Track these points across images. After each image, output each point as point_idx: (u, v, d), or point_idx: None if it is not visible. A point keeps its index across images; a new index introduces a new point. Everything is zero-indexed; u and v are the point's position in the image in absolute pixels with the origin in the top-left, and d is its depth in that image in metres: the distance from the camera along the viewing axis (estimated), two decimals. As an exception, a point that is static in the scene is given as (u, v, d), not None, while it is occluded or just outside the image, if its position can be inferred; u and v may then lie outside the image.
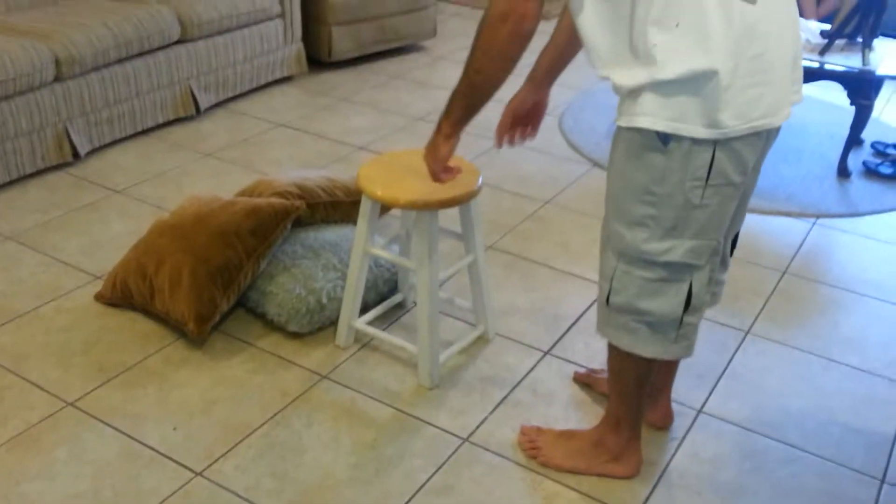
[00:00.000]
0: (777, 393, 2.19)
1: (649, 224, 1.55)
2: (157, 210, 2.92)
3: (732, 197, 1.55)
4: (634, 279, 1.60)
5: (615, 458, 1.88)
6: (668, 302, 1.61)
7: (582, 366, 2.23)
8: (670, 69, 1.40)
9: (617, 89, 1.51)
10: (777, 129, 1.57)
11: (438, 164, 1.78)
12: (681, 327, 1.64)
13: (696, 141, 1.45)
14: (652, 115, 1.45)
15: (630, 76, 1.45)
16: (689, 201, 1.51)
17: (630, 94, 1.47)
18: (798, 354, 2.33)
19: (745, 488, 1.89)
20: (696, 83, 1.40)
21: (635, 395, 1.81)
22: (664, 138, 1.46)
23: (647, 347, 1.67)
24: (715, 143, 1.46)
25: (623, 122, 1.50)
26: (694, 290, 1.60)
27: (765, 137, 1.53)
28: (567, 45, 1.83)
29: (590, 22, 1.47)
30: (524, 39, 1.49)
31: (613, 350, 1.76)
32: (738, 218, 1.72)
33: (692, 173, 1.48)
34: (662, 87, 1.42)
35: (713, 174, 1.48)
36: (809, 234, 2.96)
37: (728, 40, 1.39)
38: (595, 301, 2.47)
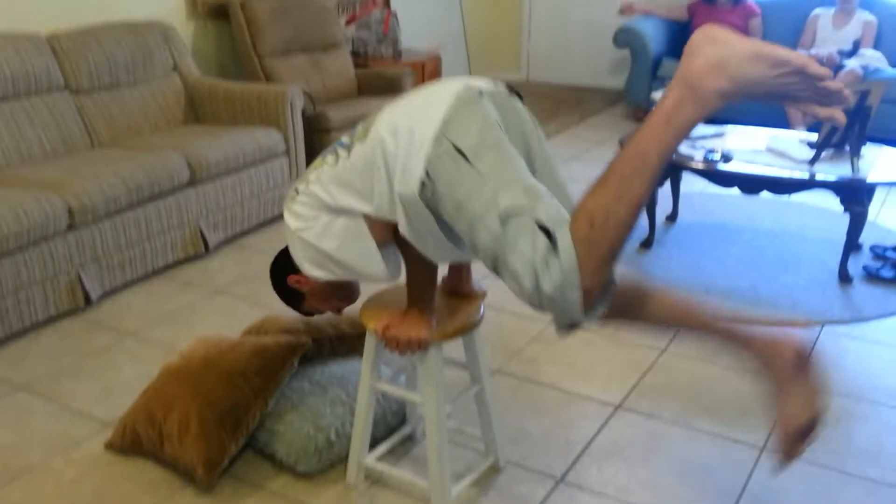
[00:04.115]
0: (796, 512, 2.14)
1: (484, 215, 1.58)
2: (168, 352, 2.95)
3: (504, 141, 1.66)
4: (510, 267, 1.57)
5: None
6: (527, 244, 1.54)
7: (596, 492, 2.20)
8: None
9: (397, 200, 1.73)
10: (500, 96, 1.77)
11: (426, 334, 1.98)
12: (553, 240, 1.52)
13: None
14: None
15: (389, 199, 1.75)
16: (473, 174, 1.61)
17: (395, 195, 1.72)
18: (815, 470, 2.29)
19: None
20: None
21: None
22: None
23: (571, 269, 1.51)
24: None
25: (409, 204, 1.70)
26: (541, 219, 1.54)
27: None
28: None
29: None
30: None
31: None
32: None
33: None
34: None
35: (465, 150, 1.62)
36: (817, 343, 2.96)
37: None
38: (602, 425, 2.46)
